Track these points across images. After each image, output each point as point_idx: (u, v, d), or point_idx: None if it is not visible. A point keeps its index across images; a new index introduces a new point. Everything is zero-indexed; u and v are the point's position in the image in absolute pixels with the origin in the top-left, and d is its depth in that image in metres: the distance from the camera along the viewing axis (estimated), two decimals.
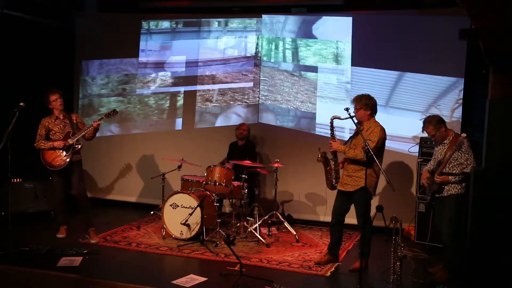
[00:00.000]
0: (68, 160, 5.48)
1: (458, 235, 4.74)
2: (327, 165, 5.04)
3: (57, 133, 5.55)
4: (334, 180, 5.00)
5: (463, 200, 4.67)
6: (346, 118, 4.73)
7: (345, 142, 4.95)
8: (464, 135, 4.46)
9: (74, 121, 5.66)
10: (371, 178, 4.69)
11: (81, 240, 5.55)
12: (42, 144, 5.49)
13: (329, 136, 4.95)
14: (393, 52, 6.42)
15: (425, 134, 6.10)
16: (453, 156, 4.54)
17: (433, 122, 4.70)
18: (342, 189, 4.85)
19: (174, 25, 7.47)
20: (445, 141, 4.73)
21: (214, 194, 5.85)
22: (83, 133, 5.52)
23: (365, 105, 4.75)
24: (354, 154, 4.70)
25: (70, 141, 5.49)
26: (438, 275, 4.69)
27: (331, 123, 4.91)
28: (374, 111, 4.79)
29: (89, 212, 5.69)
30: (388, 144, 6.33)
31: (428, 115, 6.22)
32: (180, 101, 7.41)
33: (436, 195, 4.73)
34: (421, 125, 4.88)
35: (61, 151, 5.48)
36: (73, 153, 5.52)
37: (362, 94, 4.87)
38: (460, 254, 4.77)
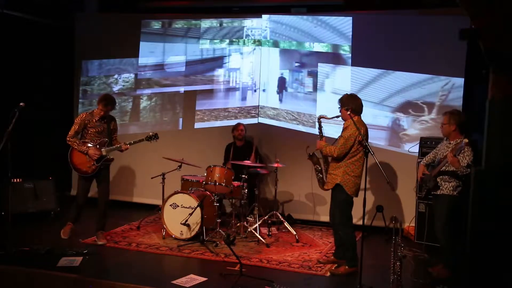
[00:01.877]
0: (95, 170, 5.44)
1: (454, 235, 4.75)
2: (315, 164, 5.04)
3: (91, 134, 5.45)
4: (325, 180, 4.99)
5: (455, 203, 4.67)
6: (332, 118, 4.85)
7: (334, 142, 4.96)
8: (466, 140, 4.45)
9: (112, 128, 5.60)
10: (347, 176, 4.69)
11: (81, 240, 5.55)
12: (76, 144, 5.39)
13: (318, 135, 4.99)
14: (393, 52, 6.42)
15: (425, 134, 6.17)
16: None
17: (451, 114, 4.73)
18: (327, 188, 4.90)
19: (174, 25, 7.47)
20: (452, 142, 4.73)
21: (214, 194, 5.85)
22: (116, 148, 5.50)
23: (346, 104, 4.75)
24: (328, 151, 4.77)
25: (104, 153, 5.44)
26: (438, 273, 4.69)
27: (319, 122, 4.96)
28: (355, 109, 4.73)
29: (105, 217, 5.67)
30: (390, 144, 6.41)
31: (426, 114, 6.32)
32: (180, 101, 7.43)
33: (432, 192, 4.74)
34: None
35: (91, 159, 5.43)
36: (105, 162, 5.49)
37: (345, 94, 4.93)
38: (457, 253, 4.78)
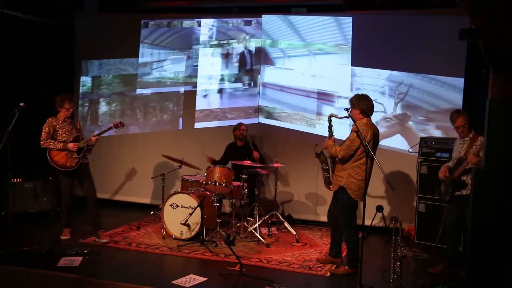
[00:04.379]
0: (79, 162, 5.46)
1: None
2: (322, 163, 5.01)
3: (63, 134, 5.49)
4: (331, 180, 4.94)
5: None
6: (342, 117, 4.77)
7: (341, 143, 4.91)
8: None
9: (78, 127, 5.67)
10: (352, 179, 4.64)
11: (81, 240, 5.55)
12: (52, 144, 5.42)
13: (328, 133, 4.93)
14: (393, 52, 6.43)
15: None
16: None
17: (464, 114, 4.72)
18: (332, 189, 4.87)
19: (174, 25, 7.47)
20: (466, 139, 4.72)
21: (214, 194, 5.85)
22: (88, 141, 5.52)
23: (355, 104, 4.71)
24: (333, 151, 4.72)
25: (81, 145, 5.47)
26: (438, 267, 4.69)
27: (329, 121, 4.89)
28: (364, 111, 4.69)
29: (99, 215, 5.67)
30: (390, 143, 6.42)
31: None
32: (180, 101, 7.43)
33: (455, 193, 4.70)
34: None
35: (71, 152, 5.46)
36: (83, 156, 5.52)
37: (356, 94, 4.88)
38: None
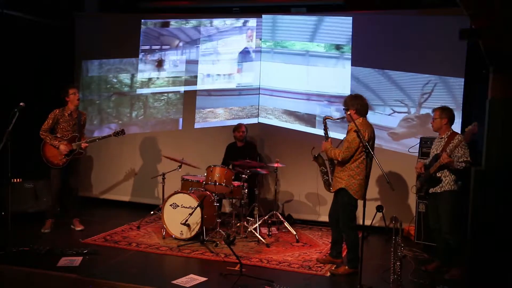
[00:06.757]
0: (66, 162, 5.71)
1: (461, 233, 4.77)
2: (321, 166, 5.00)
3: (63, 129, 5.69)
4: (331, 182, 4.94)
5: (457, 198, 4.70)
6: (337, 119, 4.76)
7: (339, 144, 4.90)
8: (475, 123, 4.46)
9: (82, 122, 5.85)
10: (352, 180, 4.63)
11: (81, 240, 5.55)
12: (48, 138, 5.63)
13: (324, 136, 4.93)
14: (393, 52, 6.43)
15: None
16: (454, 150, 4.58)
17: (442, 110, 4.79)
18: (333, 190, 4.87)
19: (174, 25, 7.47)
20: (443, 136, 4.76)
21: (214, 194, 5.85)
22: (79, 145, 5.75)
23: (351, 105, 4.69)
24: (332, 155, 4.72)
25: (74, 147, 5.71)
26: (451, 273, 4.69)
27: (324, 123, 4.90)
28: (359, 111, 4.68)
29: (76, 206, 6.00)
30: (390, 143, 6.41)
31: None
32: (180, 101, 7.43)
33: (430, 191, 4.74)
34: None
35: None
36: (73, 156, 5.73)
37: (349, 95, 4.88)
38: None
